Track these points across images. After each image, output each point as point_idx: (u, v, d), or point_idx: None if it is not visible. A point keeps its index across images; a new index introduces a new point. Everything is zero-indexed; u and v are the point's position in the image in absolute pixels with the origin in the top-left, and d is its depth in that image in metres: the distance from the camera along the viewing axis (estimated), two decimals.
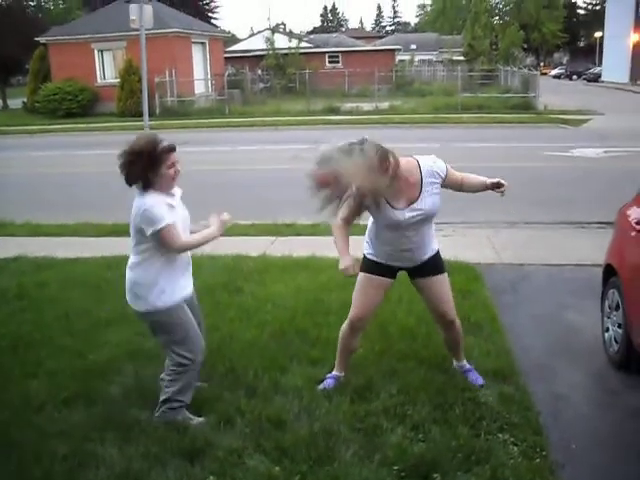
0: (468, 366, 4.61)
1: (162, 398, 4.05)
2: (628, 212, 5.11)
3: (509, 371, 4.65)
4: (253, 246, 8.14)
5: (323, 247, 8.00)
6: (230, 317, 5.74)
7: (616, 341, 4.89)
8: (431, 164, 4.03)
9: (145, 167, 3.72)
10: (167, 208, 3.79)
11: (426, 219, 4.09)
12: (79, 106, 30.85)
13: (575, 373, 4.84)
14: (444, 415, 4.05)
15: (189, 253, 4.09)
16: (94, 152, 18.85)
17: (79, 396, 4.38)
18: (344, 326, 4.44)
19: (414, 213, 4.01)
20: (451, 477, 3.48)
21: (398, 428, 3.92)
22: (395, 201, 3.98)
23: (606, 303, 5.20)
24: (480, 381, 4.48)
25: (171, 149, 3.78)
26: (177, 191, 3.99)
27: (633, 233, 4.79)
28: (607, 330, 5.13)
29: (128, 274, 4.05)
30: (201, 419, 4.08)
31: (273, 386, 4.48)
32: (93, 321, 5.73)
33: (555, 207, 10.30)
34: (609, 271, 5.16)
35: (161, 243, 3.81)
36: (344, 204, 3.89)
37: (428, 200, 4.01)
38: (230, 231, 9.26)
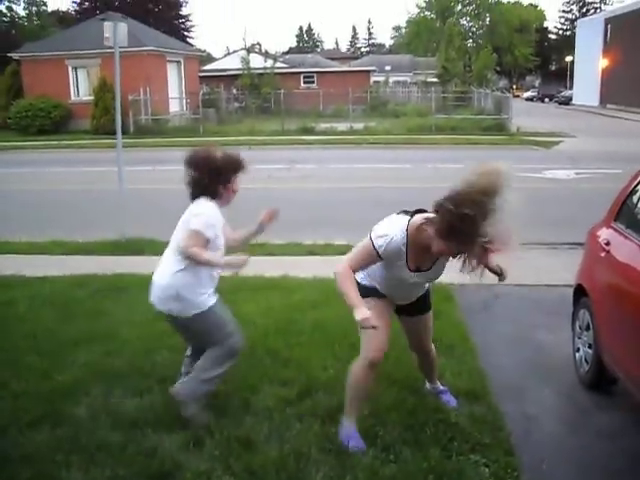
0: (442, 387, 4.58)
1: (202, 377, 4.15)
2: (597, 233, 5.16)
3: (481, 391, 4.65)
4: None
5: (295, 267, 8.00)
6: None
7: (586, 361, 4.91)
8: None
9: (218, 177, 4.05)
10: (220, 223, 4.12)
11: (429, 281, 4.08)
12: (52, 123, 30.59)
13: (546, 393, 4.85)
14: (415, 436, 4.03)
15: None
16: (66, 169, 18.71)
17: (45, 418, 4.28)
18: (359, 369, 3.94)
19: (421, 278, 3.89)
20: None
21: (369, 449, 3.88)
22: (411, 262, 3.76)
23: (577, 323, 5.23)
24: (453, 402, 4.46)
25: (244, 167, 4.17)
26: None
27: (602, 254, 4.83)
28: (578, 350, 5.15)
29: (169, 281, 4.07)
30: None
31: (243, 406, 4.43)
32: (61, 341, 5.63)
33: (527, 228, 10.28)
34: (580, 291, 5.20)
35: (184, 241, 3.95)
36: (358, 254, 3.74)
37: (438, 268, 3.88)
38: None
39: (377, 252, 3.66)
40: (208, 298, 4.11)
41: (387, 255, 3.67)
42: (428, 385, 4.62)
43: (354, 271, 3.75)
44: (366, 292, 3.86)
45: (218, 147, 4.22)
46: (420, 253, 3.69)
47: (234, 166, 4.12)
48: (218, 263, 4.10)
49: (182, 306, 4.05)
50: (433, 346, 4.44)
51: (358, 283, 3.84)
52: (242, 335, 4.33)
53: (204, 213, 4.01)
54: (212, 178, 4.04)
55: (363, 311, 3.57)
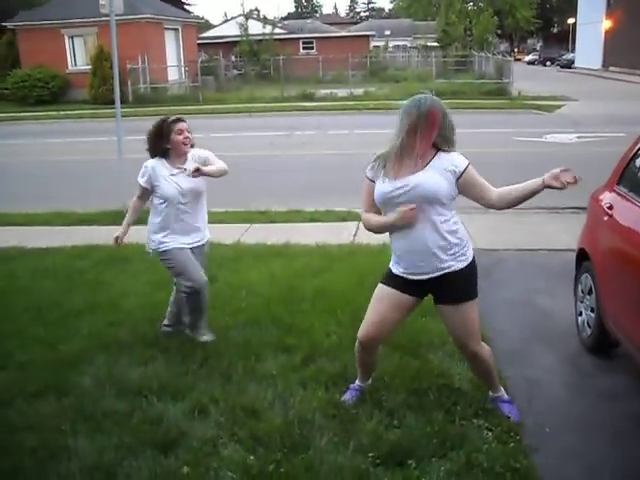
0: (507, 397, 4.09)
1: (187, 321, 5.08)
2: (600, 197, 5.14)
3: None
4: (227, 234, 8.08)
5: (297, 234, 8.00)
6: None
7: (589, 325, 4.92)
8: (451, 154, 3.68)
9: (159, 139, 4.72)
10: (163, 178, 4.77)
11: (421, 198, 3.57)
12: (50, 93, 30.36)
13: (548, 357, 4.87)
14: (419, 401, 4.05)
15: (194, 221, 4.90)
16: (65, 140, 18.62)
17: (50, 388, 4.31)
18: (356, 345, 4.04)
19: (403, 184, 3.59)
20: (426, 463, 3.48)
21: (373, 415, 3.91)
22: (391, 172, 3.65)
23: (579, 287, 5.23)
24: (516, 417, 3.94)
25: (178, 120, 4.78)
26: (189, 161, 4.82)
27: (605, 218, 4.81)
28: (580, 314, 5.16)
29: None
30: (211, 337, 5.01)
31: (248, 374, 4.46)
32: (64, 311, 5.66)
33: None
34: (582, 256, 5.19)
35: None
36: (363, 196, 3.84)
37: (427, 174, 3.59)
38: None
39: (367, 176, 3.81)
40: (160, 241, 4.85)
41: (374, 173, 3.77)
42: (490, 394, 4.09)
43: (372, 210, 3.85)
44: (384, 277, 3.92)
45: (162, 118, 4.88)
46: (398, 161, 3.66)
47: (163, 127, 4.74)
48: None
49: (147, 240, 4.97)
50: (484, 347, 3.95)
51: (389, 269, 3.89)
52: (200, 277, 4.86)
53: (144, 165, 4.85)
54: (157, 140, 4.77)
55: (392, 216, 3.67)
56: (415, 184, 3.59)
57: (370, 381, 4.23)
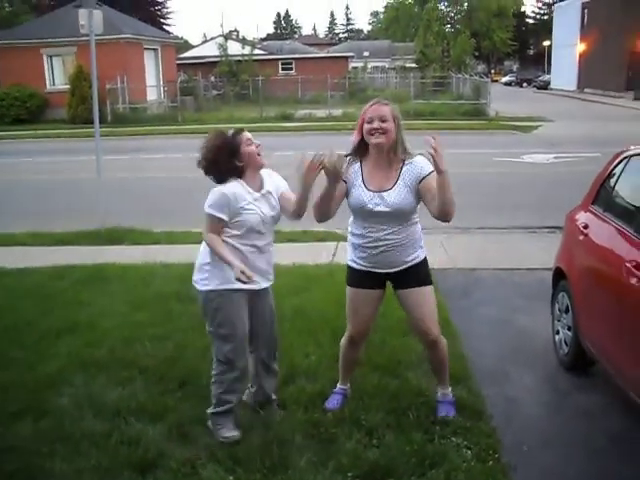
0: (452, 397, 4.24)
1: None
2: (576, 216, 5.21)
3: (462, 375, 4.68)
4: None
5: (275, 254, 7.98)
6: (183, 326, 5.67)
7: (566, 343, 4.97)
8: (417, 158, 3.92)
9: (229, 157, 3.83)
10: (246, 203, 3.82)
11: (395, 216, 3.85)
12: (28, 112, 30.20)
13: (526, 375, 4.91)
14: (398, 420, 4.06)
15: (267, 256, 4.06)
16: (43, 159, 18.50)
17: (29, 409, 4.26)
18: (343, 340, 4.26)
19: (381, 202, 3.82)
20: None
21: (352, 434, 3.91)
22: (369, 181, 3.90)
23: (556, 306, 5.28)
24: (451, 413, 4.12)
25: (241, 130, 3.94)
26: (266, 180, 4.02)
27: (581, 237, 4.88)
28: (557, 333, 5.21)
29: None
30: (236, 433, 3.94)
31: None
32: (42, 332, 5.60)
33: (506, 212, 10.45)
34: (558, 274, 5.25)
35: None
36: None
37: (400, 193, 3.82)
38: (183, 239, 9.17)
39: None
40: (212, 279, 3.89)
41: (347, 176, 3.94)
42: (439, 392, 4.26)
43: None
44: (350, 279, 4.11)
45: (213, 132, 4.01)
46: (375, 167, 3.91)
47: (228, 143, 3.87)
48: (227, 260, 3.72)
49: (196, 277, 4.02)
50: (443, 338, 4.13)
51: (348, 266, 4.11)
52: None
53: (213, 190, 3.89)
54: (226, 163, 3.86)
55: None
56: (392, 204, 3.84)
57: (349, 386, 4.38)
